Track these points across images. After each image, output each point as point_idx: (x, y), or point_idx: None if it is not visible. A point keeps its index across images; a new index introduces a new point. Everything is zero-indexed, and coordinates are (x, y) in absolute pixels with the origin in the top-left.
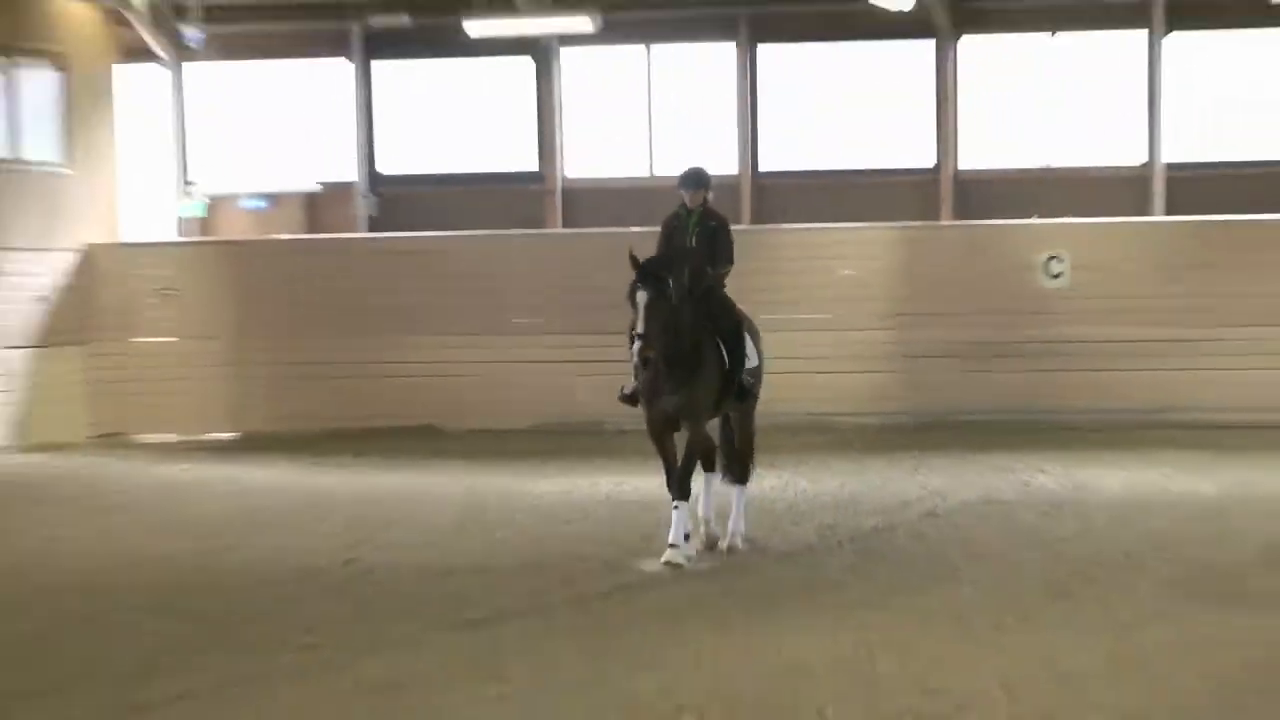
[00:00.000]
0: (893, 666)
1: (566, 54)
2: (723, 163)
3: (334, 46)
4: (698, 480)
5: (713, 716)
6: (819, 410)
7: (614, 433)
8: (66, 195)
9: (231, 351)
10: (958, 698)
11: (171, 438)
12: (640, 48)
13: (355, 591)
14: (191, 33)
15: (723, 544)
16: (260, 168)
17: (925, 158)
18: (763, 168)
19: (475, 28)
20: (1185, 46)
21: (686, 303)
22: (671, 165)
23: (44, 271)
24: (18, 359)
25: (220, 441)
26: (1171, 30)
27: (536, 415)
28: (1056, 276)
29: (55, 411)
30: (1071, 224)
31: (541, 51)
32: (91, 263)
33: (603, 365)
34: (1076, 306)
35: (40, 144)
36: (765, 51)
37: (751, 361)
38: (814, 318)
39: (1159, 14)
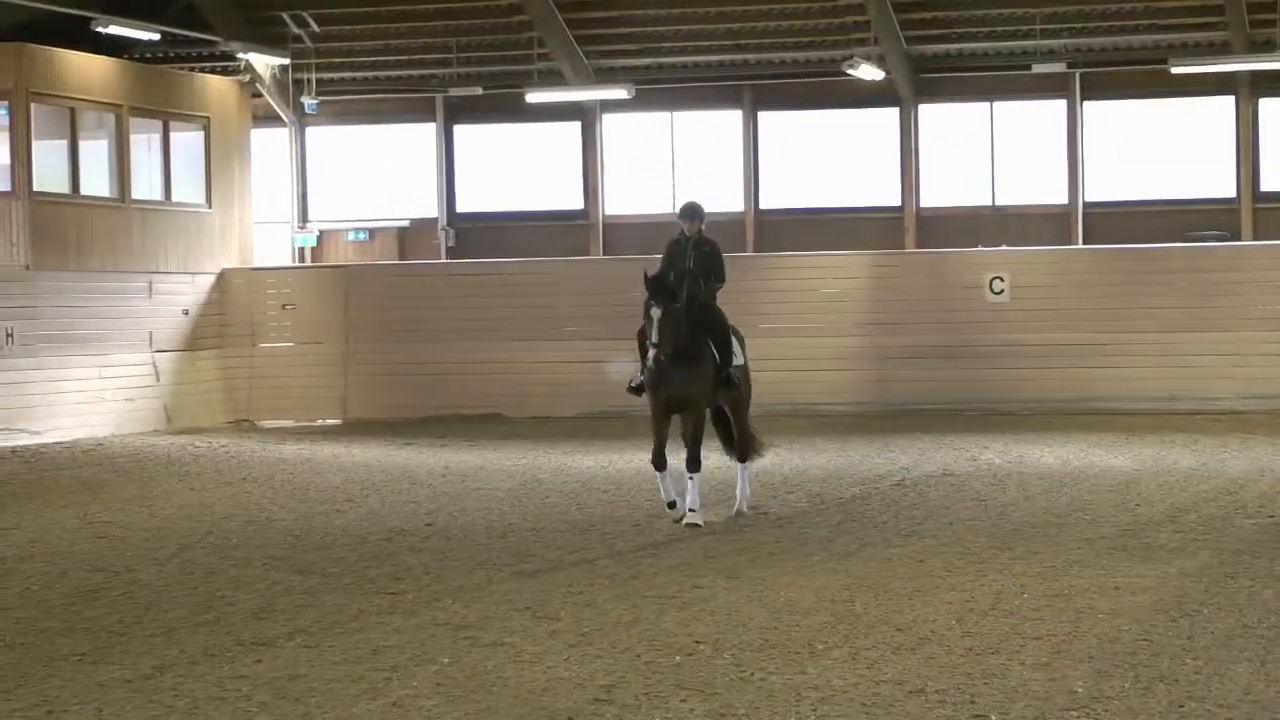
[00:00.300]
0: (869, 606)
1: (607, 118)
2: (730, 202)
3: (422, 112)
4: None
5: (724, 647)
6: (808, 400)
7: (635, 416)
8: (207, 230)
9: (337, 353)
10: (921, 631)
11: (288, 423)
12: (666, 114)
13: (434, 547)
14: (309, 102)
15: (733, 509)
16: (362, 207)
17: (893, 198)
18: (763, 206)
19: (534, 97)
20: (1099, 110)
21: (686, 313)
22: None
23: (188, 291)
24: (167, 360)
25: (327, 426)
26: (1087, 98)
27: (582, 405)
28: (999, 293)
29: (196, 402)
30: (1010, 251)
31: (587, 116)
32: (226, 283)
33: (630, 366)
34: (1014, 317)
35: (187, 189)
36: (764, 116)
37: (738, 360)
38: (804, 326)
39: (1076, 85)
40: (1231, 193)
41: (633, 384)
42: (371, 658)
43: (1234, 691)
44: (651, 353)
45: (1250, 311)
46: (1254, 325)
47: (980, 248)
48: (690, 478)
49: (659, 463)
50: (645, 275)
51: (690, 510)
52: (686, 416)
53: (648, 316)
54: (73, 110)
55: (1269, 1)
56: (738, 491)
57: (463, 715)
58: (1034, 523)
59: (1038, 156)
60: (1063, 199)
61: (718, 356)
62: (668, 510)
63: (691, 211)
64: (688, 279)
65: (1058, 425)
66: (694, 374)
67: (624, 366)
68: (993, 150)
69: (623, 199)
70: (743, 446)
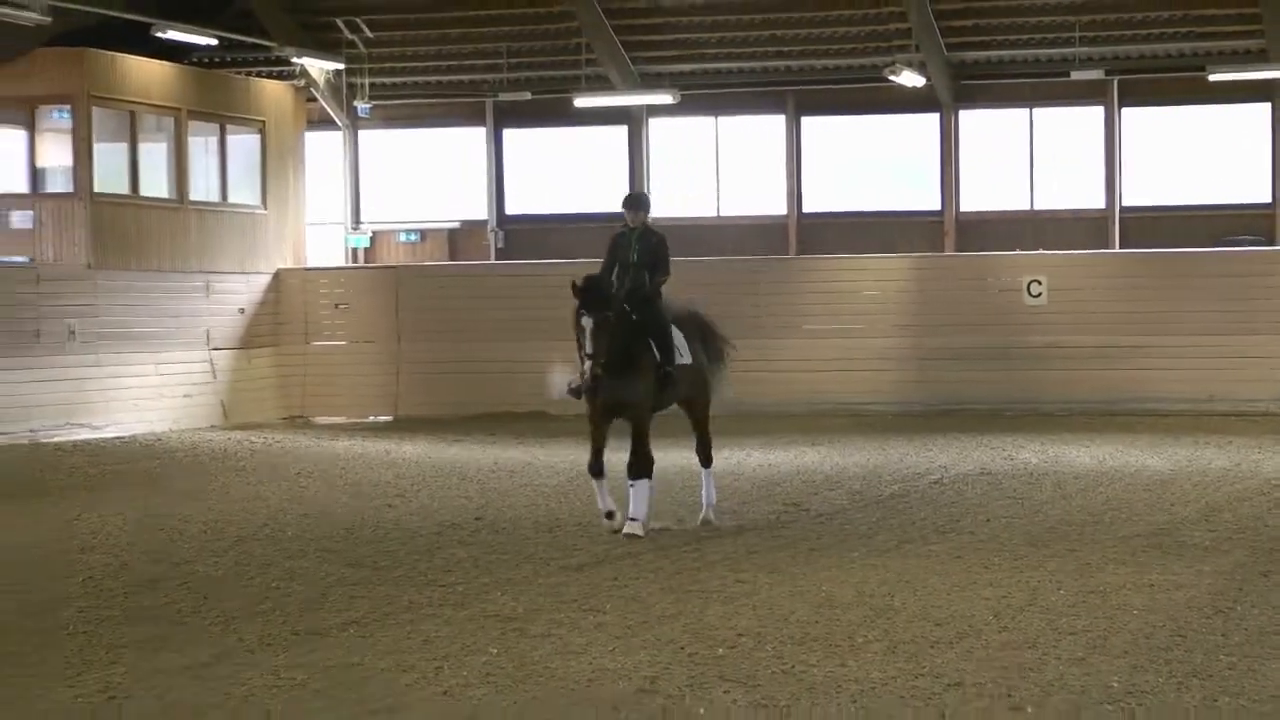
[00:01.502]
0: (907, 601)
1: (653, 123)
2: (773, 205)
3: (472, 117)
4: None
5: (766, 640)
6: (850, 400)
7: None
8: (262, 231)
9: (388, 352)
10: (958, 626)
11: (341, 419)
12: (710, 119)
13: (483, 541)
14: (362, 106)
15: (699, 516)
16: (413, 209)
17: (933, 202)
18: (805, 209)
19: (582, 101)
20: (1137, 116)
21: (621, 317)
22: (735, 208)
23: (244, 290)
24: (223, 358)
25: (379, 423)
26: (1125, 105)
27: None
28: (1037, 296)
29: (251, 398)
30: (1047, 255)
31: (633, 120)
32: (281, 283)
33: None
34: (1052, 320)
35: (243, 191)
36: (807, 121)
37: (682, 359)
38: (845, 327)
39: (1114, 92)
40: (1267, 198)
41: (571, 385)
42: (422, 648)
43: (1268, 687)
44: (586, 365)
45: None
46: None
47: (1019, 251)
48: (630, 485)
49: (595, 469)
50: (573, 284)
51: (630, 520)
52: (628, 422)
53: (579, 325)
54: (133, 114)
55: None
56: (703, 497)
57: (511, 704)
58: (1070, 521)
59: (1076, 162)
60: (1100, 204)
61: (658, 355)
62: (605, 521)
63: (636, 201)
64: (631, 272)
65: (1094, 426)
66: (632, 379)
67: (562, 375)
68: (1031, 155)
69: (668, 202)
70: (703, 450)
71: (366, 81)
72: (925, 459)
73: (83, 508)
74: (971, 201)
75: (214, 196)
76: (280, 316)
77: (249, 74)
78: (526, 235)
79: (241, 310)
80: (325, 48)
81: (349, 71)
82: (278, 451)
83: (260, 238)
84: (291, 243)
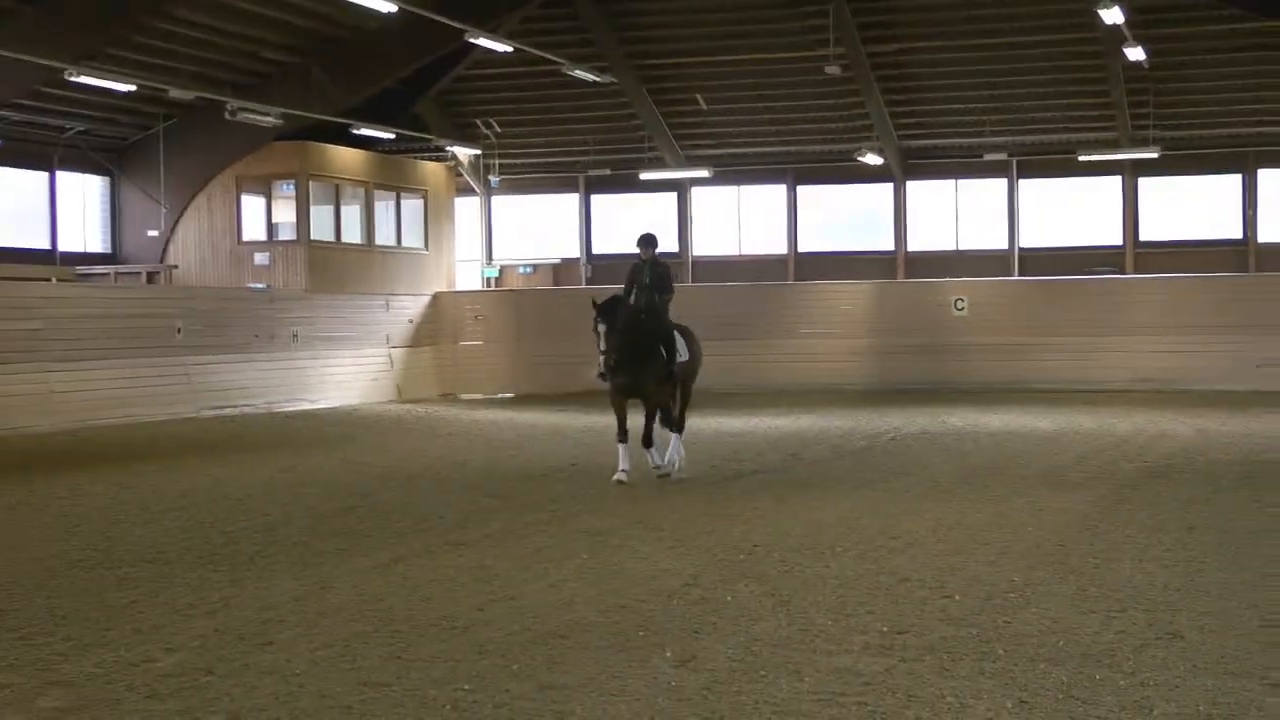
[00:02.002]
0: (871, 521)
1: (695, 190)
2: (777, 246)
3: (569, 186)
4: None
5: (773, 549)
6: (831, 381)
7: (713, 393)
8: (425, 265)
9: (511, 348)
10: (907, 539)
11: (478, 395)
12: (735, 187)
13: (577, 480)
14: (494, 179)
15: (670, 470)
16: (528, 250)
17: (889, 244)
18: (800, 249)
19: (645, 175)
20: (1030, 185)
21: (639, 320)
22: (751, 248)
23: (412, 306)
24: (398, 353)
25: (504, 398)
26: (1021, 177)
27: None
28: (960, 310)
29: (417, 381)
30: (968, 280)
31: (681, 188)
32: (438, 301)
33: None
34: (971, 325)
35: (412, 238)
36: (802, 189)
37: (682, 357)
38: (829, 331)
39: (1014, 169)
40: (1119, 241)
41: (598, 373)
42: (535, 554)
43: (1120, 579)
44: (601, 359)
45: (1136, 322)
46: (1138, 331)
47: (948, 278)
48: (646, 450)
49: (621, 436)
50: (593, 302)
51: (654, 466)
52: (642, 403)
53: (596, 332)
54: (337, 186)
55: (1145, 111)
56: (670, 452)
57: (597, 593)
58: (985, 466)
59: (987, 217)
60: (1005, 245)
61: (665, 355)
62: (618, 475)
63: (647, 240)
64: (646, 293)
65: (1000, 400)
66: (642, 371)
67: (593, 369)
68: (957, 212)
69: (705, 245)
70: (679, 421)
71: (497, 162)
72: (883, 423)
73: (300, 457)
74: (915, 244)
75: (392, 242)
76: (437, 324)
77: (416, 157)
78: (607, 268)
79: (411, 320)
80: (468, 139)
81: (485, 155)
82: (435, 418)
83: (424, 270)
84: (445, 273)
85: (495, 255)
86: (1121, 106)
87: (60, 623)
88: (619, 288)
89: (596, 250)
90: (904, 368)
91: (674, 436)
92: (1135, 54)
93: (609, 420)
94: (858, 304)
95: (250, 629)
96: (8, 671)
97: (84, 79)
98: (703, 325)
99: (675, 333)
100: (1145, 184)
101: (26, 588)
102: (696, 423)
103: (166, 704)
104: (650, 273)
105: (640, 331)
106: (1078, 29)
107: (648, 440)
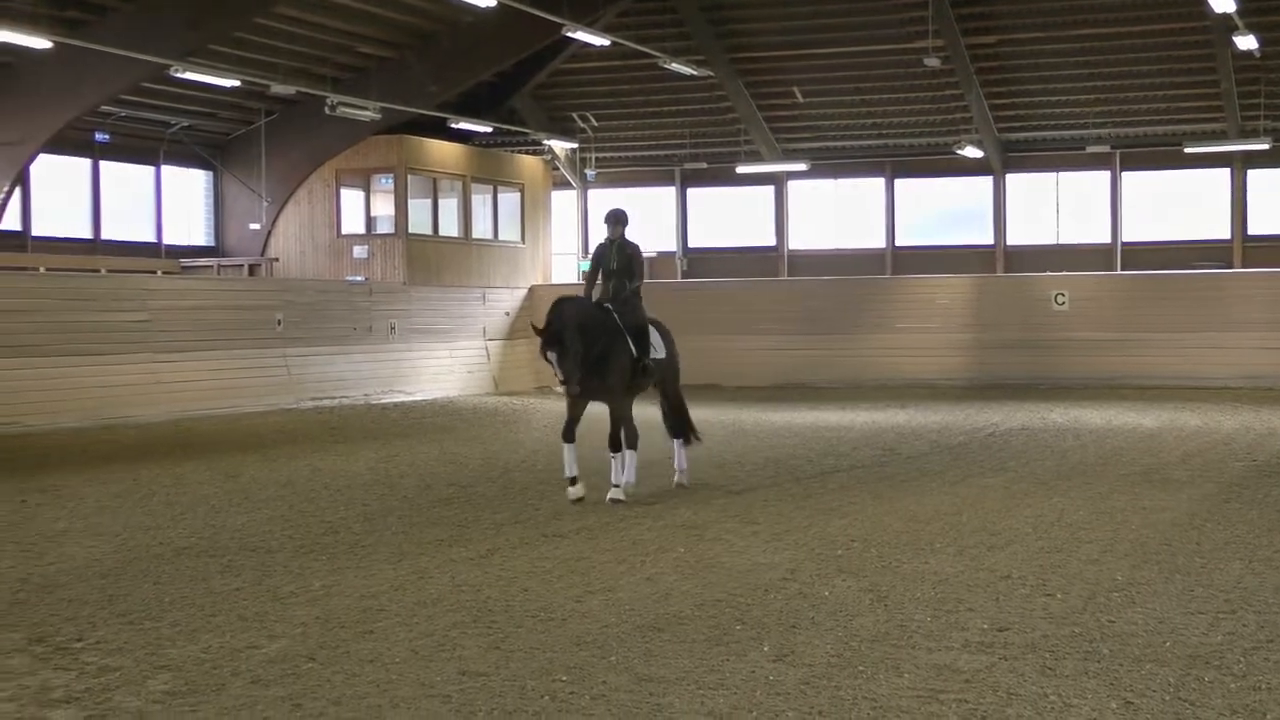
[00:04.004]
0: (970, 517)
1: (791, 183)
2: (875, 240)
3: (665, 179)
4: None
5: (871, 544)
6: (928, 376)
7: (809, 387)
8: (521, 258)
9: None
10: (1007, 535)
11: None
12: (832, 180)
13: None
14: (590, 173)
15: (674, 480)
16: None
17: (988, 238)
18: (898, 244)
19: (742, 168)
20: (1133, 178)
21: (593, 318)
22: (848, 242)
23: (508, 299)
24: (495, 346)
25: None
26: (1125, 169)
27: (772, 378)
28: (1061, 304)
29: (514, 373)
30: (1069, 275)
31: (778, 181)
32: (533, 294)
33: (810, 352)
34: (1071, 320)
35: (508, 231)
36: (899, 182)
37: (657, 353)
38: (926, 325)
39: (1117, 161)
40: (1227, 235)
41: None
42: (632, 547)
43: (1229, 579)
44: (561, 389)
45: (1243, 317)
46: (1245, 327)
47: (1049, 272)
48: (612, 456)
49: (567, 435)
50: (532, 325)
51: (614, 485)
52: (608, 408)
53: (545, 359)
54: (434, 179)
55: (1255, 101)
56: (675, 463)
57: (693, 586)
58: (1086, 462)
59: (1089, 210)
60: (1107, 239)
61: (634, 350)
62: (569, 489)
63: (615, 217)
64: (613, 279)
65: (1102, 396)
66: (605, 373)
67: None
68: (1058, 205)
69: (801, 238)
70: (676, 424)
71: (593, 155)
72: (982, 418)
73: (399, 448)
74: (1015, 238)
75: (489, 235)
76: (533, 317)
77: (513, 151)
78: (702, 261)
79: (507, 313)
80: (565, 132)
81: (581, 149)
82: (531, 410)
83: (520, 263)
84: (541, 266)
85: (591, 249)
86: (1231, 96)
87: (167, 608)
88: (716, 281)
89: (692, 244)
90: (1003, 363)
91: (676, 444)
92: (1246, 42)
93: (704, 414)
94: (956, 298)
95: (351, 617)
96: (118, 655)
97: (188, 75)
98: (799, 319)
99: (650, 326)
100: (1255, 176)
101: (134, 573)
102: (793, 417)
103: (270, 690)
104: (617, 255)
105: (602, 325)
106: (1185, 18)
107: (615, 444)
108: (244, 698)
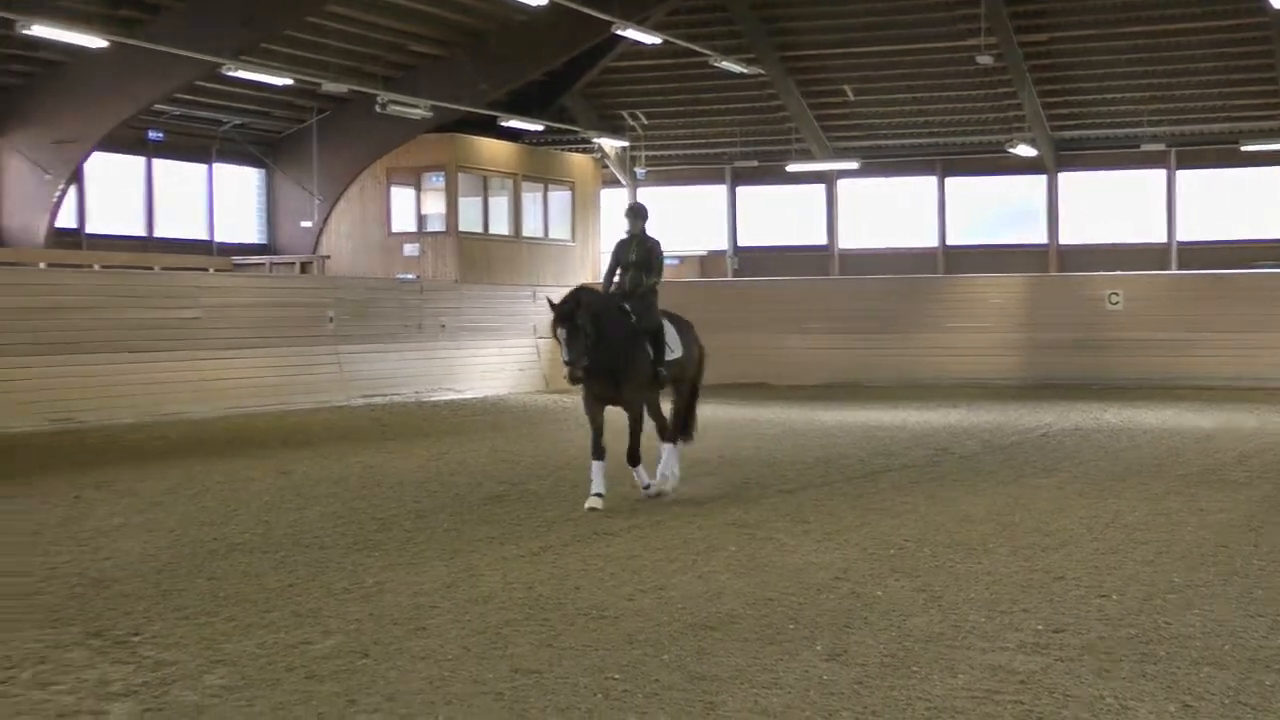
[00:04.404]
0: (1024, 517)
1: (841, 182)
2: (926, 239)
3: (715, 178)
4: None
5: (924, 544)
6: (980, 376)
7: (860, 387)
8: (571, 256)
9: None
10: (1061, 536)
11: None
12: (883, 178)
13: (724, 471)
14: (640, 171)
15: (658, 486)
16: (674, 241)
17: (1041, 238)
18: (949, 243)
19: (792, 167)
20: (1189, 176)
21: (610, 314)
22: (899, 241)
23: (559, 298)
24: (545, 344)
25: None
26: (1180, 168)
27: (823, 377)
28: (1115, 304)
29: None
30: (1123, 275)
31: (828, 180)
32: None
33: (861, 351)
34: (1126, 320)
35: (559, 230)
36: (950, 181)
37: (673, 354)
38: (978, 325)
39: (1172, 159)
40: None
41: (566, 375)
42: (683, 545)
43: None
44: (566, 370)
45: None
46: None
47: (1102, 272)
48: (634, 470)
49: (597, 452)
50: (549, 301)
51: (644, 486)
52: (625, 411)
53: (555, 338)
54: (485, 177)
55: None
56: (663, 468)
57: (745, 585)
58: (1141, 463)
59: (1144, 209)
60: (1162, 238)
61: (651, 353)
62: (590, 499)
63: (635, 211)
64: (630, 272)
65: (1156, 396)
66: (621, 372)
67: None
68: (1112, 204)
69: (852, 237)
70: (674, 426)
71: (643, 154)
72: (1034, 418)
73: (449, 446)
74: (1068, 237)
75: (539, 233)
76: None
77: (563, 149)
78: (753, 260)
79: None
80: (615, 131)
81: (631, 147)
82: (581, 409)
83: (570, 261)
84: (591, 265)
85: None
86: None
87: (222, 603)
88: (767, 280)
89: (743, 242)
90: (1056, 363)
91: (667, 447)
92: None
93: (755, 412)
94: (1008, 298)
95: (404, 614)
96: (174, 649)
97: (241, 73)
98: (850, 318)
99: (666, 324)
100: None
101: (189, 569)
102: (844, 416)
103: (325, 685)
104: (637, 249)
105: (619, 325)
106: (1242, 13)
107: (633, 457)
108: (298, 693)
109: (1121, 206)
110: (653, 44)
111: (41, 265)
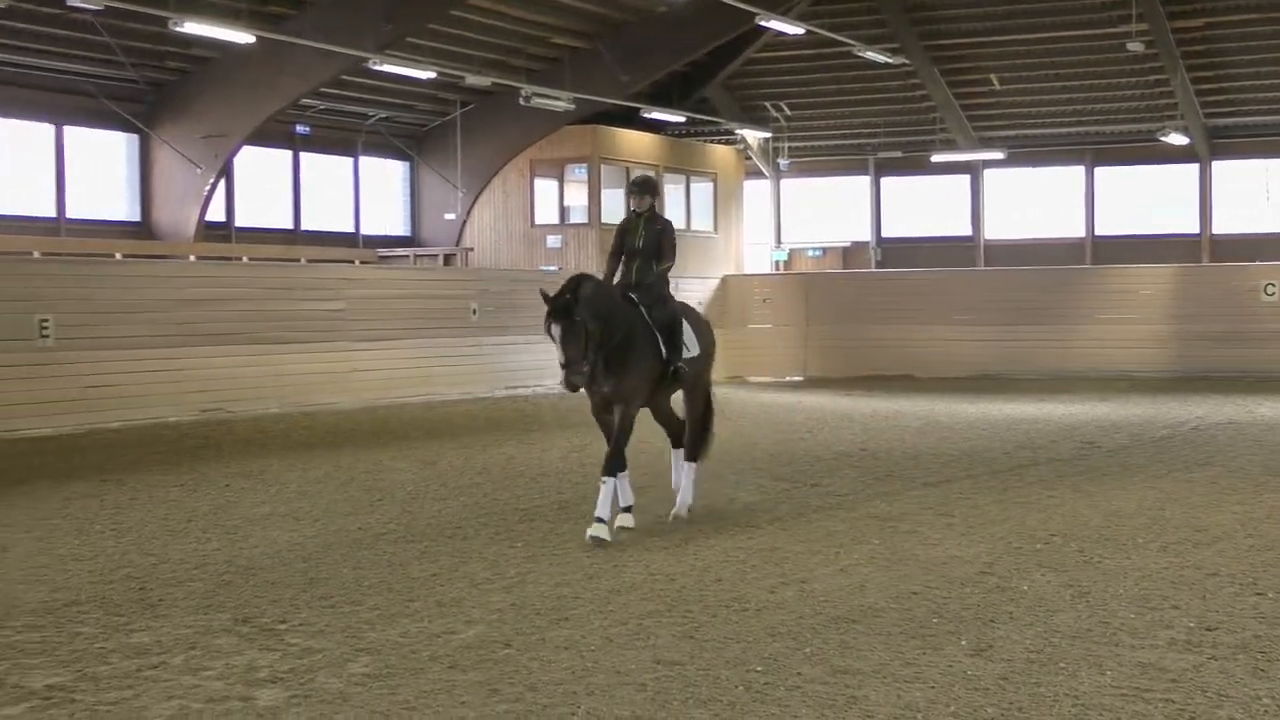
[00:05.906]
0: (1175, 513)
1: (987, 172)
2: (1075, 230)
3: (859, 169)
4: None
5: (1071, 539)
6: (1128, 368)
7: (1005, 379)
8: (714, 248)
9: (800, 332)
10: (1214, 532)
11: (766, 378)
12: (1029, 169)
13: (867, 465)
14: (783, 162)
15: (670, 513)
16: (817, 233)
17: (1192, 227)
18: (1098, 233)
19: (937, 157)
20: None
21: (616, 308)
22: (1046, 231)
23: (701, 290)
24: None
25: (792, 381)
26: None
27: (969, 369)
28: (1271, 295)
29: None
30: (1278, 264)
31: (973, 170)
32: (726, 284)
33: (1006, 343)
34: None
35: (701, 221)
36: (1099, 170)
37: (690, 352)
38: (1129, 316)
39: None
40: None
41: (562, 380)
42: (825, 538)
43: None
44: (563, 375)
45: None
46: None
47: (1258, 262)
48: (603, 482)
49: (607, 468)
50: (541, 293)
51: (597, 520)
52: (616, 418)
53: (549, 334)
54: (627, 169)
55: None
56: (677, 488)
57: (888, 579)
58: None
59: None
60: None
61: (664, 350)
62: (596, 528)
63: (640, 185)
64: (637, 261)
65: None
66: (629, 372)
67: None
68: (1268, 193)
69: (998, 228)
70: (691, 442)
71: (786, 145)
72: (1186, 411)
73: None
74: (1221, 226)
75: (681, 225)
76: (726, 307)
77: (705, 141)
78: (897, 252)
79: (699, 303)
80: (757, 122)
81: (774, 138)
82: (723, 401)
83: (713, 253)
84: (734, 257)
85: (784, 238)
86: None
87: (367, 592)
88: (911, 271)
89: (886, 233)
90: (1208, 355)
91: (687, 467)
92: None
93: (898, 405)
94: (1159, 289)
95: (546, 604)
96: (320, 637)
97: (386, 68)
98: (996, 310)
99: (683, 320)
100: None
101: (334, 558)
102: (989, 408)
103: (468, 675)
104: (644, 232)
105: (627, 320)
106: None
107: (612, 466)
108: (442, 682)
109: (1278, 195)
110: (796, 34)
111: (191, 258)
